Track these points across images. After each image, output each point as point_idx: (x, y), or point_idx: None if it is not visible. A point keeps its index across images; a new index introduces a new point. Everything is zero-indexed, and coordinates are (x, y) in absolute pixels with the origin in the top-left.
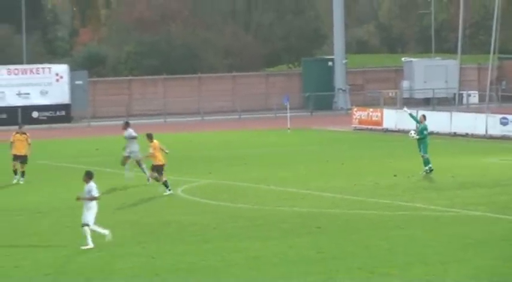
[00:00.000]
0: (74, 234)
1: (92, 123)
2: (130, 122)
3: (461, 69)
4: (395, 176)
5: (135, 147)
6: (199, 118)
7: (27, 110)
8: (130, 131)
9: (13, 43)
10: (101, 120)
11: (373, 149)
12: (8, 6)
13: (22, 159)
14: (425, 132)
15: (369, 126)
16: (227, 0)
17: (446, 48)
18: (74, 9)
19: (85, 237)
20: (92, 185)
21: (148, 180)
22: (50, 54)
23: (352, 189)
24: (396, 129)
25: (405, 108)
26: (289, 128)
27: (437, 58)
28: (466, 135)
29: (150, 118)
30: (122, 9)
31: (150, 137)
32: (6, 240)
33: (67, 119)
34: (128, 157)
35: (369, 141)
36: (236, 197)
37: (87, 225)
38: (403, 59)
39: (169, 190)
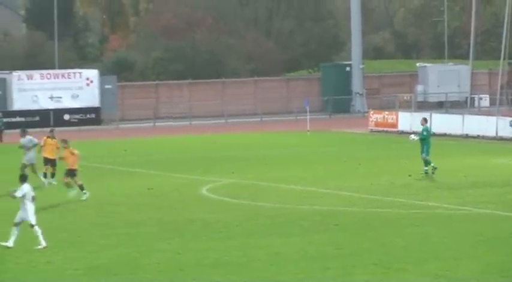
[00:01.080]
0: (102, 230)
1: (121, 126)
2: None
3: (473, 74)
4: (409, 176)
5: (32, 154)
6: (223, 120)
7: (59, 112)
8: (29, 138)
9: (46, 49)
10: (129, 122)
11: (389, 150)
12: (41, 14)
13: (52, 162)
14: (425, 133)
15: (385, 129)
16: (249, 8)
17: (458, 54)
18: (104, 16)
19: (37, 237)
20: (22, 187)
21: (44, 184)
22: (80, 59)
23: (369, 188)
24: (411, 131)
25: (412, 136)
26: (308, 130)
27: (450, 63)
28: (478, 137)
29: (176, 121)
30: (150, 17)
31: (65, 142)
32: None
33: (97, 121)
34: (26, 165)
35: (384, 143)
36: (258, 196)
37: (34, 225)
38: (417, 64)
39: (85, 193)
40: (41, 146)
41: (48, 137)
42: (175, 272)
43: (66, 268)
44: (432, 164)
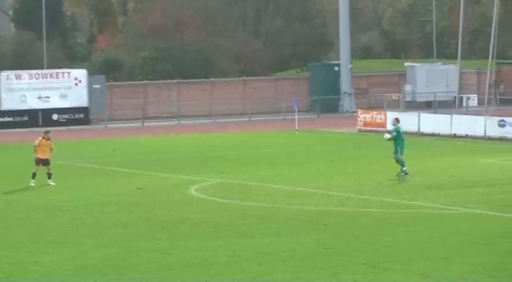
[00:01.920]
0: (91, 230)
1: (109, 126)
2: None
3: (461, 73)
4: (398, 175)
5: None
6: (212, 120)
7: (47, 112)
8: None
9: (34, 49)
10: (117, 122)
11: (377, 150)
12: (30, 14)
13: (45, 162)
14: (395, 133)
15: (373, 128)
16: (238, 8)
17: (447, 54)
18: (92, 16)
19: None
20: None
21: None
22: (69, 59)
23: (357, 188)
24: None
25: (386, 135)
26: (297, 130)
27: (439, 63)
28: (466, 136)
29: (164, 120)
30: (138, 16)
31: None
32: (28, 236)
33: (85, 121)
34: None
35: (373, 142)
36: (246, 196)
37: None
38: (405, 64)
39: None
40: (35, 146)
41: (43, 137)
42: (164, 272)
43: (55, 268)
44: (404, 168)
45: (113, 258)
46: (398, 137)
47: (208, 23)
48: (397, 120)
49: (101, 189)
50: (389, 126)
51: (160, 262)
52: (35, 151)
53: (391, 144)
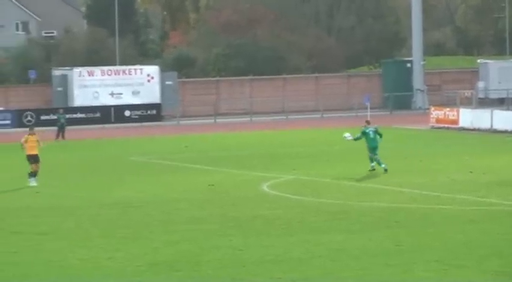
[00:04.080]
0: (163, 227)
1: (181, 122)
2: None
3: None
4: (471, 172)
5: None
6: (284, 117)
7: (119, 109)
8: None
9: (107, 46)
10: (189, 119)
11: (450, 147)
12: (102, 11)
13: (35, 158)
14: (358, 134)
15: (446, 125)
16: (310, 5)
17: None
18: (165, 13)
19: None
20: None
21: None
22: (141, 56)
23: (430, 185)
24: (472, 128)
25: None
26: None
27: None
28: None
29: (236, 117)
30: (210, 13)
31: None
32: (100, 232)
33: (158, 117)
34: None
35: (445, 139)
36: (319, 192)
37: None
38: (478, 60)
39: None
40: (23, 143)
41: (29, 134)
42: (238, 269)
43: (128, 264)
44: (372, 164)
45: (186, 255)
46: (366, 138)
47: (280, 20)
48: (367, 122)
49: (173, 185)
50: (462, 123)
51: (233, 259)
52: (24, 148)
53: (464, 141)
